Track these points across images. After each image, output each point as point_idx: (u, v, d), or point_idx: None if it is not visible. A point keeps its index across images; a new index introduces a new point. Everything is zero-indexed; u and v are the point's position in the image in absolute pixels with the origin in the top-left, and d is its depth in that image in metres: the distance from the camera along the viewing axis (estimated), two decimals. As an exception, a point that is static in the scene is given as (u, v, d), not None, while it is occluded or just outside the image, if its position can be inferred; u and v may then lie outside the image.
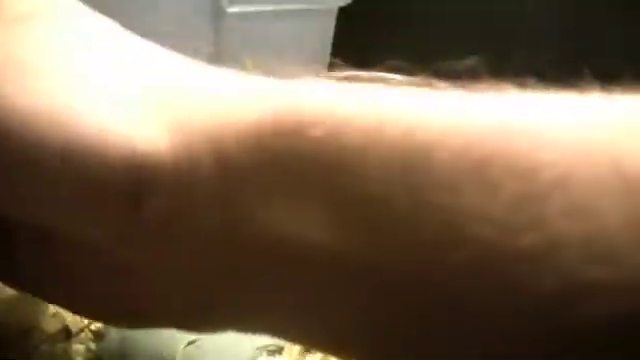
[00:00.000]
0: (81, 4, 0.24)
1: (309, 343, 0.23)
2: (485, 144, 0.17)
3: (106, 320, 0.25)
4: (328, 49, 0.65)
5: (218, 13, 0.58)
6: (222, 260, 0.20)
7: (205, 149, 0.19)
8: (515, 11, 0.65)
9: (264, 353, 0.28)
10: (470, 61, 0.23)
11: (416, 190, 0.17)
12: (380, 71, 0.23)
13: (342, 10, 0.66)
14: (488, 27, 0.65)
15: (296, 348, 0.29)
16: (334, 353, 0.22)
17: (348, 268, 0.18)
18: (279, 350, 0.29)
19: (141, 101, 0.20)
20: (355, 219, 0.18)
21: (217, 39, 0.56)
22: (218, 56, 0.57)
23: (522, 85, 0.19)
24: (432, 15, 0.69)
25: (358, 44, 0.67)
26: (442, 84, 0.20)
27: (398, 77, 0.51)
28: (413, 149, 0.17)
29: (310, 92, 0.19)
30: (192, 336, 0.28)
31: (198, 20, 0.57)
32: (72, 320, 0.29)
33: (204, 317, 0.21)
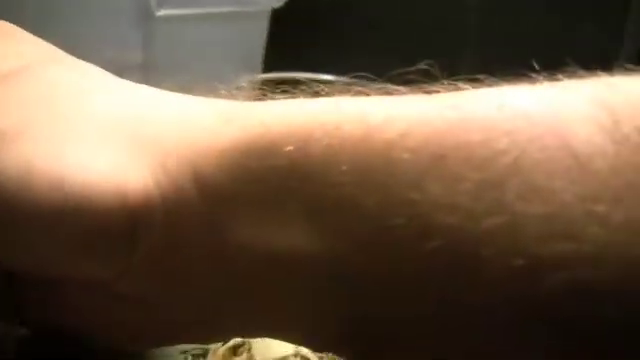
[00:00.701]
0: (50, 52, 0.25)
1: (311, 344, 0.23)
2: (443, 140, 0.18)
3: (119, 346, 0.24)
4: (261, 51, 0.65)
5: (147, 16, 0.57)
6: (218, 280, 0.20)
7: (187, 178, 0.20)
8: (450, 11, 0.66)
9: (189, 357, 0.28)
10: (422, 64, 0.24)
11: (381, 189, 0.18)
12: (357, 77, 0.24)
13: (275, 12, 0.65)
14: (424, 28, 0.66)
15: (221, 351, 0.29)
16: (334, 351, 0.23)
17: (333, 271, 0.19)
18: (204, 354, 0.28)
19: (123, 142, 0.21)
20: (331, 224, 0.19)
21: (146, 42, 0.55)
22: (148, 60, 0.56)
23: (474, 81, 0.20)
24: (370, 16, 0.69)
25: (291, 45, 0.67)
26: (395, 87, 0.21)
27: (330, 77, 0.51)
28: (374, 150, 0.18)
29: (274, 110, 0.20)
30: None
31: (127, 23, 0.56)
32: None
33: (212, 329, 0.22)
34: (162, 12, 0.57)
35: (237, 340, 0.28)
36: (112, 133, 0.21)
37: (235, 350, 0.29)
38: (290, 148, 0.19)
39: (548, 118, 0.18)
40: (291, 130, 0.19)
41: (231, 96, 0.23)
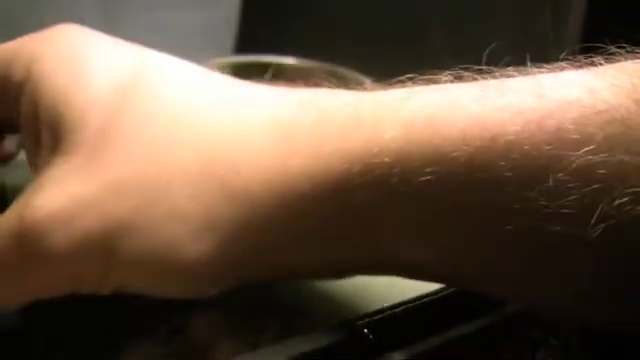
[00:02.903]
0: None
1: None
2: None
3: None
4: (232, 36, 0.64)
5: (112, 1, 0.55)
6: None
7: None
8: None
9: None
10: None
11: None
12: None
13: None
14: (397, 10, 0.65)
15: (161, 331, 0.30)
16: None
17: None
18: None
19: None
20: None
21: (112, 27, 0.54)
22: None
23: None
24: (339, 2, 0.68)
25: (265, 30, 0.66)
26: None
27: (291, 60, 0.50)
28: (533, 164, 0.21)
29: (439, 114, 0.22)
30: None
31: (91, 8, 0.55)
32: None
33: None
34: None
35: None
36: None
37: (177, 330, 0.29)
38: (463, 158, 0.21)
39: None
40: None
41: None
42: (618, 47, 0.22)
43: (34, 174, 0.26)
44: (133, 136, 0.24)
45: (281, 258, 0.24)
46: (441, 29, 0.59)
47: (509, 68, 0.23)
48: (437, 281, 0.26)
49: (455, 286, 0.26)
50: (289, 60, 0.50)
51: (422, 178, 0.21)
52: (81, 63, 0.25)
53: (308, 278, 0.29)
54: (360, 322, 0.25)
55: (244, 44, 0.64)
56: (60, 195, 0.23)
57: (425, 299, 0.27)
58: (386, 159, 0.22)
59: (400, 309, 0.27)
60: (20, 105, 0.26)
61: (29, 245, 0.23)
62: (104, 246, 0.23)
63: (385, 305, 0.27)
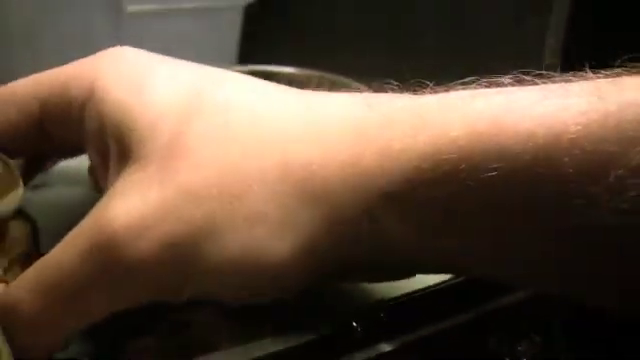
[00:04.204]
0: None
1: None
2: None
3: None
4: (234, 47, 0.64)
5: (118, 12, 0.56)
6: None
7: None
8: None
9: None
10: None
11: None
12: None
13: (250, 7, 0.65)
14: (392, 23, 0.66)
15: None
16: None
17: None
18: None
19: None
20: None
21: (118, 37, 0.55)
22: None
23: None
24: (339, 12, 0.69)
25: (266, 41, 0.67)
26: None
27: (291, 69, 0.51)
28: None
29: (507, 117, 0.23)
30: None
31: (97, 19, 0.55)
32: None
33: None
34: (132, 8, 0.57)
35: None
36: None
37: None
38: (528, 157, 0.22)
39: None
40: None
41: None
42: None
43: (103, 188, 0.26)
44: (205, 142, 0.24)
45: (356, 255, 0.25)
46: (437, 41, 0.60)
47: (569, 73, 0.24)
48: (475, 274, 0.26)
49: (490, 279, 0.27)
50: (290, 69, 0.51)
51: (487, 174, 0.22)
52: (143, 78, 0.26)
53: (369, 280, 0.29)
54: (348, 314, 0.26)
55: (244, 55, 0.65)
56: (136, 204, 0.23)
57: (414, 294, 0.28)
58: (453, 156, 0.22)
59: (388, 303, 0.27)
60: (84, 123, 0.27)
61: (109, 256, 0.23)
62: (185, 252, 0.23)
63: (374, 299, 0.28)
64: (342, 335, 0.26)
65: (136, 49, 0.28)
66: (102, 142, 0.26)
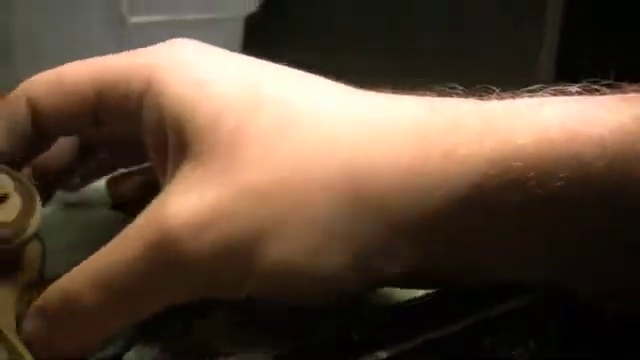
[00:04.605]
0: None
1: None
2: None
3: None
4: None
5: (121, 23, 0.57)
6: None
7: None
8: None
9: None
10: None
11: None
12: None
13: (250, 18, 0.66)
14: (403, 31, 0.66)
15: None
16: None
17: None
18: None
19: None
20: None
21: (121, 47, 0.55)
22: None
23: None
24: (337, 15, 0.69)
25: (267, 51, 0.67)
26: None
27: None
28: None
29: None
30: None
31: (100, 29, 0.56)
32: None
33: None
34: (135, 19, 0.57)
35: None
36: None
37: None
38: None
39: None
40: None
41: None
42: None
43: (161, 183, 0.26)
44: (268, 142, 0.23)
45: (414, 261, 0.24)
46: (435, 43, 0.60)
47: (638, 84, 0.24)
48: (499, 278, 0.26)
49: (507, 281, 0.26)
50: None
51: (558, 183, 0.22)
52: (202, 70, 0.25)
53: (412, 286, 0.28)
54: (345, 322, 0.26)
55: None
56: (196, 201, 0.23)
57: (412, 302, 0.28)
58: (520, 163, 0.22)
59: (386, 310, 0.27)
60: (142, 115, 0.26)
61: (167, 254, 0.23)
62: (244, 252, 0.23)
63: (372, 308, 0.27)
64: (340, 341, 0.26)
65: (193, 41, 0.27)
66: (160, 135, 0.25)
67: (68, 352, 0.25)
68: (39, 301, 0.26)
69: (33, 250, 0.30)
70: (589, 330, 0.30)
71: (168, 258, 0.23)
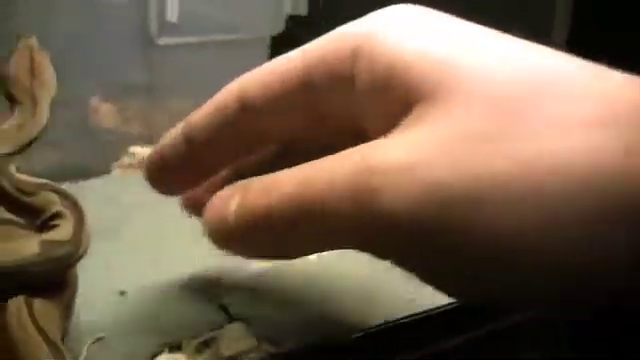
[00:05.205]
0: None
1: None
2: None
3: None
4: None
5: (149, 44, 0.58)
6: None
7: None
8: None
9: (166, 349, 0.29)
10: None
11: None
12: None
13: (276, 38, 0.66)
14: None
15: (193, 344, 0.30)
16: None
17: None
18: (179, 346, 0.30)
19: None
20: None
21: (149, 67, 0.56)
22: (152, 82, 0.56)
23: None
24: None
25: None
26: None
27: None
28: None
29: None
30: (98, 333, 0.30)
31: (130, 50, 0.57)
32: None
33: None
34: (163, 41, 0.58)
35: (208, 335, 0.30)
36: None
37: (207, 343, 0.30)
38: None
39: None
40: None
41: None
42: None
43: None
44: (483, 83, 0.22)
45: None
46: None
47: None
48: None
49: None
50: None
51: None
52: (414, 26, 0.25)
53: None
54: (347, 336, 0.26)
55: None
56: (408, 145, 0.22)
57: (417, 316, 0.28)
58: None
59: (390, 324, 0.27)
60: (355, 79, 0.25)
61: (366, 197, 0.22)
62: (439, 205, 0.21)
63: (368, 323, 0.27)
64: (341, 355, 0.26)
65: (410, 5, 0.27)
66: (385, 96, 0.25)
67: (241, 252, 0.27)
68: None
69: (74, 269, 0.30)
70: (589, 330, 0.30)
71: (365, 201, 0.22)
